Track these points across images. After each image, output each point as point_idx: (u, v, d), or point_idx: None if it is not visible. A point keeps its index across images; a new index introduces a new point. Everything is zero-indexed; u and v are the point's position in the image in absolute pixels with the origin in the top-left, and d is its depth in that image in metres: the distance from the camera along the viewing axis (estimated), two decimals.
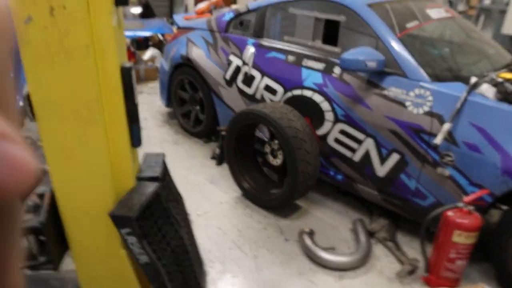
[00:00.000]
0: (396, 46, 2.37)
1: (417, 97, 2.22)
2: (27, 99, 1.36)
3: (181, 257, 1.71)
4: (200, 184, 2.93)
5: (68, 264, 1.75)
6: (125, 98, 1.51)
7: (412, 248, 2.41)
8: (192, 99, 3.52)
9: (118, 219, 1.46)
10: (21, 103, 1.59)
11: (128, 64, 1.47)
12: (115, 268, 1.66)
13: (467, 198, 2.02)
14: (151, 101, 4.15)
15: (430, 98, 2.18)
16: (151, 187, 1.60)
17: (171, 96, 3.66)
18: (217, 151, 3.15)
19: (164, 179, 1.77)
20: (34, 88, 1.35)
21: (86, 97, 1.39)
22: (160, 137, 3.55)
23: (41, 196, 1.56)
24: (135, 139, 1.61)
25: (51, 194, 1.52)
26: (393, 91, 2.31)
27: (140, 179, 1.65)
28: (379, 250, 2.44)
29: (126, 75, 1.47)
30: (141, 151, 3.17)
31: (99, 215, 1.52)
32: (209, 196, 2.80)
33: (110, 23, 1.37)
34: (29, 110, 1.37)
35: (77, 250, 1.60)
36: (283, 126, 2.39)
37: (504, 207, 2.24)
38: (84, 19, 1.31)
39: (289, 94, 2.73)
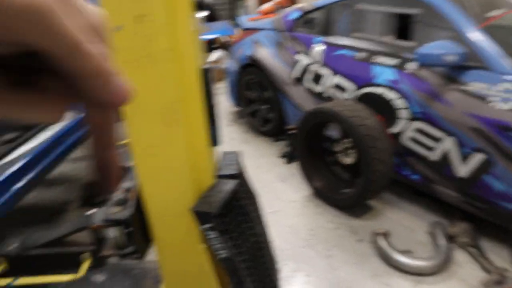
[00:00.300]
0: (477, 37, 2.21)
1: (504, 92, 2.06)
2: None
3: (257, 253, 1.73)
4: (270, 182, 2.94)
5: (150, 255, 1.83)
6: (204, 99, 1.56)
7: (498, 256, 2.24)
8: (259, 98, 3.56)
9: (200, 215, 1.51)
10: None
11: (206, 65, 1.52)
12: (194, 262, 1.72)
13: None
14: (218, 101, 4.25)
15: None
16: (229, 185, 1.63)
17: (239, 96, 3.73)
18: (286, 149, 3.15)
19: (241, 177, 1.80)
20: None
21: (171, 99, 1.45)
22: (229, 136, 3.62)
23: (128, 190, 1.65)
24: (214, 139, 1.65)
25: (137, 190, 1.61)
26: (475, 86, 2.16)
27: (219, 176, 1.69)
28: (460, 256, 2.30)
29: (205, 77, 1.51)
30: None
31: (180, 211, 1.58)
32: (279, 194, 2.81)
33: (190, 27, 1.42)
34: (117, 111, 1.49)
35: (159, 243, 1.68)
36: (356, 124, 2.33)
37: None
38: (167, 25, 1.37)
39: (359, 92, 2.66)
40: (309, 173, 2.74)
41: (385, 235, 2.32)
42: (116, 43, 1.40)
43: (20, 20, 0.20)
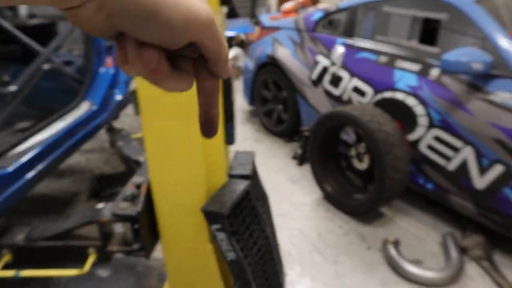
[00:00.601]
0: (507, 45, 2.13)
1: None
2: (134, 94, 1.41)
3: (266, 256, 1.69)
4: (281, 183, 2.89)
5: (154, 253, 1.80)
6: (222, 95, 1.51)
7: None
8: (275, 98, 3.50)
9: (210, 215, 1.47)
10: None
11: (229, 61, 1.47)
12: (201, 261, 1.68)
13: None
14: (236, 99, 4.21)
15: None
16: (241, 185, 1.59)
17: (254, 95, 3.68)
18: (299, 151, 3.10)
19: (254, 177, 1.75)
20: (141, 84, 1.39)
21: (188, 94, 1.41)
22: (241, 135, 3.58)
23: (138, 186, 1.62)
24: (229, 137, 1.61)
25: (148, 186, 1.57)
26: (501, 95, 2.08)
27: (231, 176, 1.65)
28: (472, 269, 2.22)
29: None
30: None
31: (191, 209, 1.54)
32: (289, 196, 2.76)
33: (217, 21, 1.37)
34: (135, 105, 1.45)
35: (167, 240, 1.64)
36: (373, 129, 2.27)
37: None
38: None
39: (379, 96, 2.59)
40: (321, 176, 2.68)
41: (395, 243, 2.26)
42: None
43: (201, 29, 0.31)
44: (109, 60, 2.58)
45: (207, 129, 0.38)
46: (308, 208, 2.64)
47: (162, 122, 1.46)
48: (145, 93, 1.43)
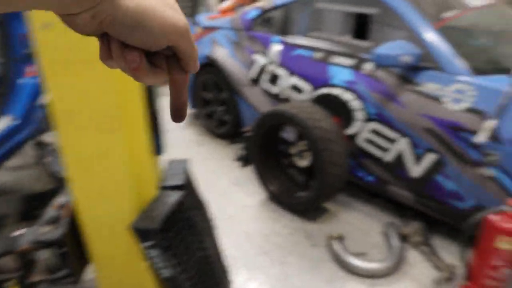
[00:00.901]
0: (432, 38, 2.19)
1: (455, 92, 2.05)
2: (48, 108, 1.29)
3: (205, 268, 1.61)
4: (225, 187, 2.83)
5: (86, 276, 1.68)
6: (146, 104, 1.42)
7: (449, 253, 2.24)
8: (216, 99, 3.43)
9: (140, 232, 1.37)
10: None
11: None
12: (136, 281, 1.58)
13: (510, 201, 1.84)
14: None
15: (471, 93, 2.00)
16: (174, 196, 1.51)
17: (195, 97, 3.58)
18: (242, 152, 3.05)
19: (188, 186, 1.67)
20: (54, 96, 1.27)
21: (106, 105, 1.31)
22: (184, 139, 3.47)
23: (60, 207, 1.49)
24: (158, 147, 1.52)
25: (71, 206, 1.45)
26: (429, 86, 2.14)
27: (163, 188, 1.56)
28: (413, 255, 2.28)
29: None
30: (166, 155, 3.08)
31: (120, 227, 1.44)
32: (234, 199, 2.70)
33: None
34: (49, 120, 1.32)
35: (98, 262, 1.53)
36: (310, 126, 2.26)
37: None
38: None
39: (316, 93, 2.59)
40: (264, 177, 2.65)
41: (340, 238, 2.27)
42: (46, 42, 1.24)
43: (178, 35, 0.37)
44: (29, 70, 2.37)
45: (177, 116, 0.42)
46: (253, 210, 2.60)
47: (81, 135, 1.35)
48: (60, 106, 1.31)
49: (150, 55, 0.39)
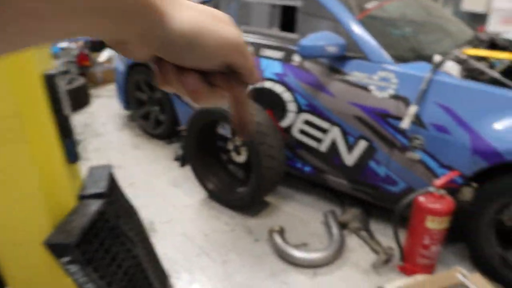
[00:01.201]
0: (356, 28, 2.21)
1: (380, 80, 2.08)
2: None
3: (137, 277, 1.52)
4: (164, 188, 2.72)
5: None
6: (52, 110, 1.30)
7: (386, 236, 2.29)
8: (150, 99, 3.29)
9: (55, 248, 1.26)
10: None
11: (52, 71, 1.26)
12: None
13: (437, 182, 1.90)
14: (110, 104, 3.88)
15: (394, 80, 2.04)
16: (94, 206, 1.40)
17: (129, 98, 3.41)
18: (180, 152, 2.95)
19: (112, 193, 1.56)
20: None
21: (2, 114, 1.18)
22: (119, 142, 3.31)
23: None
24: (71, 154, 1.39)
25: None
26: (356, 75, 2.16)
27: (82, 197, 1.44)
28: (353, 241, 2.31)
29: (50, 85, 1.26)
30: (99, 159, 2.92)
31: (36, 244, 1.31)
32: (173, 201, 2.60)
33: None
34: None
35: (15, 285, 1.39)
36: None
37: (475, 186, 2.15)
38: None
39: (249, 86, 2.54)
40: (202, 175, 2.57)
41: (280, 231, 2.25)
42: None
43: (234, 51, 0.35)
44: None
45: (244, 131, 0.40)
46: (192, 210, 2.52)
47: None
48: None
49: (206, 74, 0.36)
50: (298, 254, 2.13)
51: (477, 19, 4.97)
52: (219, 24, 0.34)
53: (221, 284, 2.00)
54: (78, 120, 3.63)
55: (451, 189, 1.99)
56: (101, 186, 1.49)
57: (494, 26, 4.68)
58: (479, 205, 1.98)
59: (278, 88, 2.40)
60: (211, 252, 2.19)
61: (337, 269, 2.12)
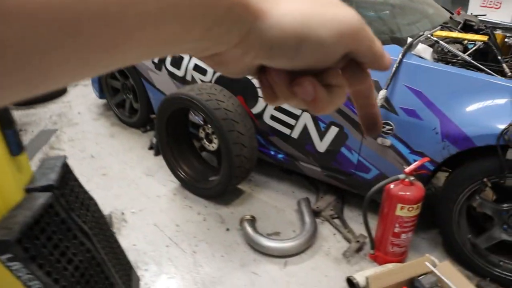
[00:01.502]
0: None
1: None
2: None
3: (91, 271, 1.45)
4: (137, 178, 2.64)
5: None
6: None
7: (360, 224, 2.23)
8: (124, 87, 3.19)
9: None
10: None
11: None
12: None
13: (407, 169, 1.84)
14: (87, 93, 3.75)
15: None
16: (41, 199, 1.32)
17: (103, 86, 3.30)
18: (154, 140, 2.86)
19: (64, 185, 1.48)
20: None
21: None
22: (95, 131, 3.21)
23: None
24: (13, 146, 1.31)
25: None
26: None
27: (29, 190, 1.36)
28: (325, 229, 2.26)
29: None
30: (73, 149, 2.81)
31: None
32: (145, 190, 2.52)
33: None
34: None
35: None
36: (212, 108, 2.13)
37: (446, 172, 2.10)
38: None
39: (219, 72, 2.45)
40: (174, 163, 2.49)
41: (252, 220, 2.19)
42: None
43: (356, 38, 0.27)
44: None
45: (372, 129, 0.35)
46: (165, 200, 2.44)
47: None
48: None
49: (321, 75, 0.30)
50: (268, 243, 2.07)
51: (460, 2, 4.87)
52: (328, 9, 0.27)
53: (190, 275, 1.94)
54: (53, 109, 3.52)
55: (422, 175, 1.93)
56: (50, 178, 1.41)
57: (474, 9, 4.59)
58: (450, 191, 1.92)
59: None
60: (181, 243, 2.13)
61: (309, 258, 2.07)
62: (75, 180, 1.61)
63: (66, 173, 1.54)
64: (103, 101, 3.50)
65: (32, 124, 3.27)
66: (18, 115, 3.35)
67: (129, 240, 2.13)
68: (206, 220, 2.29)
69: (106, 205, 2.37)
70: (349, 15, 0.27)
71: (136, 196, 2.47)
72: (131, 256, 2.04)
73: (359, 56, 0.29)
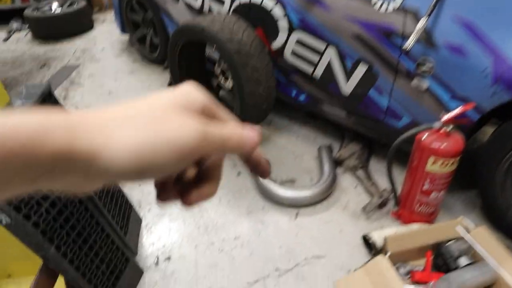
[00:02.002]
0: None
1: None
2: None
3: (72, 209, 1.29)
4: None
5: None
6: None
7: (386, 177, 1.93)
8: (144, 21, 2.93)
9: None
10: None
11: None
12: None
13: (446, 117, 1.49)
14: (112, 29, 3.55)
15: None
16: None
17: (124, 21, 3.06)
18: None
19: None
20: None
21: None
22: (115, 68, 3.03)
23: None
24: None
25: None
26: None
27: None
28: (346, 180, 1.99)
29: None
30: (94, 84, 2.66)
31: None
32: None
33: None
34: None
35: None
36: (224, 39, 1.84)
37: (495, 123, 1.72)
38: None
39: (236, 2, 2.12)
40: None
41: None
42: None
43: (197, 152, 0.26)
44: None
45: (258, 172, 0.35)
46: None
47: None
48: None
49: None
50: (279, 190, 1.84)
51: None
52: (163, 133, 0.25)
53: (192, 219, 1.77)
54: (78, 45, 3.37)
55: (463, 126, 1.58)
56: (24, 106, 1.23)
57: None
58: (497, 147, 1.56)
59: (268, 3, 1.96)
60: None
61: (323, 210, 1.83)
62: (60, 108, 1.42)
63: (48, 102, 1.36)
64: (127, 37, 3.28)
65: (56, 59, 3.14)
66: (44, 49, 3.23)
67: None
68: None
69: None
70: (185, 134, 0.25)
71: None
72: (135, 196, 1.90)
73: (215, 156, 0.31)
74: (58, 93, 2.68)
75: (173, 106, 0.26)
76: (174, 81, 2.25)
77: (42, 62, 3.08)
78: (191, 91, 0.28)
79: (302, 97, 2.14)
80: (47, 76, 2.90)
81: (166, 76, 2.86)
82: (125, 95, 2.66)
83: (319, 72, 1.95)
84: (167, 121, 0.25)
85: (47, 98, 1.37)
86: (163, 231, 1.72)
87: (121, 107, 0.25)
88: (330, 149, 2.09)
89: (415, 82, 1.65)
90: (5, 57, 3.24)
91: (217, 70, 2.19)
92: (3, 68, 2.99)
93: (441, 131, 1.51)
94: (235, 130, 0.29)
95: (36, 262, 1.22)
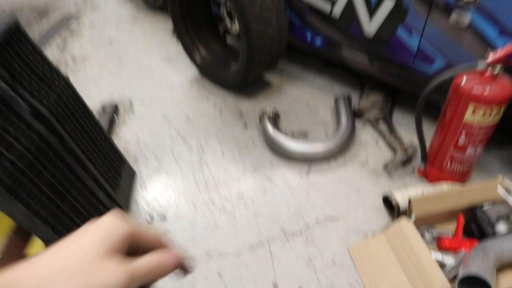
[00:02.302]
0: None
1: None
2: None
3: (47, 163, 1.10)
4: (153, 65, 2.22)
5: None
6: None
7: (412, 132, 1.66)
8: None
9: None
10: None
11: None
12: None
13: (492, 56, 1.19)
14: None
15: None
16: None
17: None
18: None
19: (8, 50, 1.08)
20: None
21: None
22: (118, 17, 2.76)
23: None
24: None
25: None
26: None
27: None
28: (366, 134, 1.73)
29: None
30: (94, 34, 2.44)
31: None
32: (160, 78, 2.11)
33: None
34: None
35: None
36: None
37: None
38: None
39: None
40: (191, 45, 2.00)
41: (274, 116, 1.71)
42: None
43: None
44: None
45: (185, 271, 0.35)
46: (180, 90, 2.02)
47: None
48: None
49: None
50: (289, 142, 1.60)
51: None
52: (95, 280, 0.25)
53: (192, 174, 1.57)
54: None
55: None
56: None
57: None
58: None
59: None
60: (189, 137, 1.73)
61: (339, 167, 1.59)
62: (32, 47, 1.20)
63: (15, 35, 1.13)
64: None
65: (56, 8, 2.89)
66: None
67: (132, 131, 1.78)
68: (222, 115, 1.85)
69: (114, 93, 2.01)
70: (114, 281, 0.26)
71: (148, 84, 2.07)
72: (132, 149, 1.70)
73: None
74: (55, 43, 2.45)
75: (97, 254, 0.27)
76: (174, 22, 1.98)
77: (42, 11, 2.84)
78: (112, 226, 0.28)
79: (318, 41, 1.84)
80: (47, 27, 2.67)
81: (171, 24, 2.57)
82: (127, 44, 2.42)
83: (338, 10, 1.64)
84: (94, 272, 0.26)
85: (15, 35, 1.14)
86: (159, 188, 1.53)
87: (49, 260, 0.26)
88: (349, 100, 1.81)
89: (454, 17, 1.34)
90: (2, 7, 3.01)
91: (223, 11, 1.90)
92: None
93: (486, 73, 1.21)
94: (154, 260, 0.29)
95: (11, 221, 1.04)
